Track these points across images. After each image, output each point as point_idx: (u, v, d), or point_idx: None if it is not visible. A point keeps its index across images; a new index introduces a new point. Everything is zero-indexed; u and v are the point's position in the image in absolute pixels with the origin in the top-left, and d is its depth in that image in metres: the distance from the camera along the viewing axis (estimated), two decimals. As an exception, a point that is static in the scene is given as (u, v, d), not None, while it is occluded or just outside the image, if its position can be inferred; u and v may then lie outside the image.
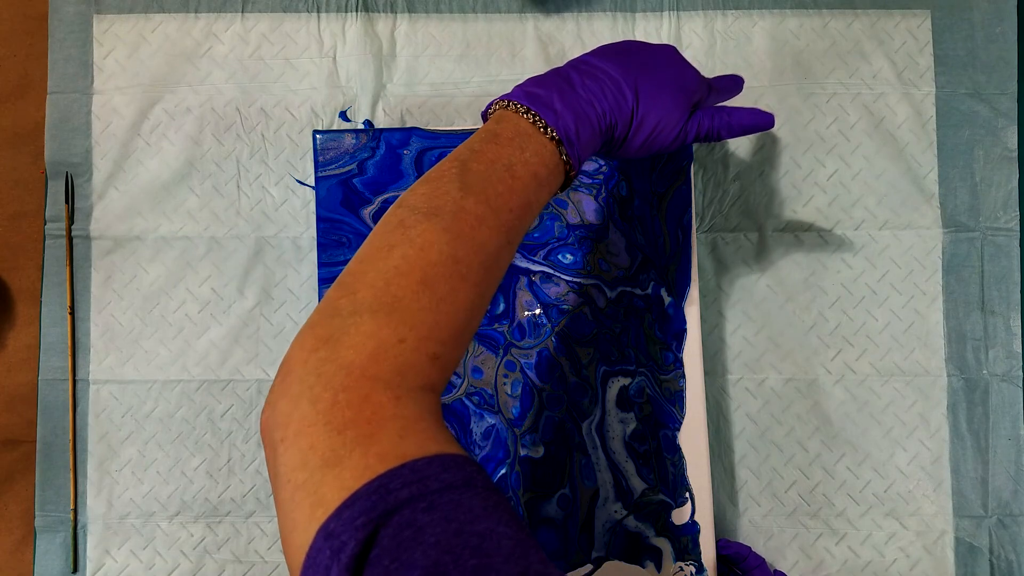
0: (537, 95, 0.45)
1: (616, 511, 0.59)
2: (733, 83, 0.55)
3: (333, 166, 0.61)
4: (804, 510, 0.64)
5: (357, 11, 0.66)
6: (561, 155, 0.44)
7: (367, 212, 0.61)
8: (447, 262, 0.38)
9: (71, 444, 0.63)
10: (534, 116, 0.44)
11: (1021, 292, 0.65)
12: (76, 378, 0.64)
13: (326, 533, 0.31)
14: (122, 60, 0.66)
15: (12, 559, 0.64)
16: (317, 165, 0.61)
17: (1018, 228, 0.65)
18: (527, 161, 0.43)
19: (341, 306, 0.37)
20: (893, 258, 0.65)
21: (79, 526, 0.63)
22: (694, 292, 0.61)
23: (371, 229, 0.60)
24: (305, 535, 0.32)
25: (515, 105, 0.45)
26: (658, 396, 0.60)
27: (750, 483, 0.64)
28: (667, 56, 0.50)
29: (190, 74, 0.66)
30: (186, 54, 0.66)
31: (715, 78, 0.54)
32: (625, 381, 0.60)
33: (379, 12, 0.66)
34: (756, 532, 0.64)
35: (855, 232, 0.65)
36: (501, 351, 0.60)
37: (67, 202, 0.65)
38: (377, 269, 0.38)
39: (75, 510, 0.63)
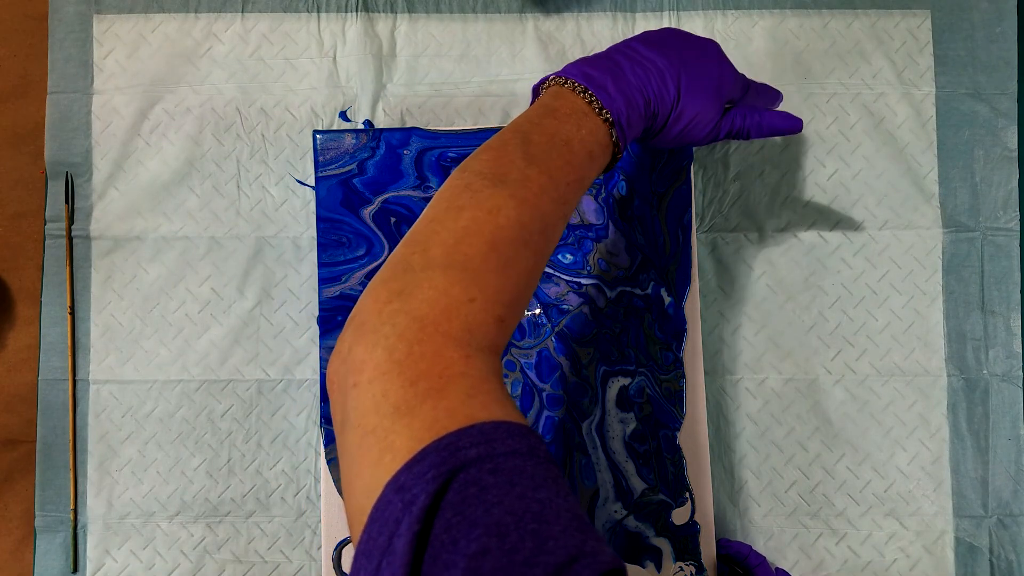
0: (593, 76, 0.47)
1: (616, 511, 0.59)
2: (771, 95, 0.56)
3: (333, 166, 0.61)
4: (804, 510, 0.64)
5: (357, 11, 0.66)
6: (612, 136, 0.46)
7: (367, 212, 0.61)
8: (514, 227, 0.40)
9: (71, 444, 0.63)
10: (591, 96, 0.46)
11: (1021, 292, 0.65)
12: (76, 378, 0.64)
13: (396, 486, 0.32)
14: (122, 60, 0.66)
15: (12, 559, 0.64)
16: (317, 165, 0.61)
17: (1018, 228, 0.65)
18: (583, 139, 0.44)
19: (413, 262, 0.38)
20: (893, 258, 0.65)
21: (79, 526, 0.63)
22: (694, 292, 0.61)
23: (371, 229, 0.61)
24: (372, 480, 0.33)
25: (572, 83, 0.46)
26: (658, 396, 0.60)
27: (750, 483, 0.64)
28: (710, 53, 0.51)
29: (190, 74, 0.66)
30: (186, 54, 0.66)
31: (755, 83, 0.55)
32: (625, 381, 0.60)
33: (379, 12, 0.66)
34: (756, 532, 0.64)
35: (855, 232, 0.65)
36: None
37: (67, 202, 0.65)
38: (448, 229, 0.39)
39: (75, 510, 0.63)
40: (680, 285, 0.61)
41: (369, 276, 0.60)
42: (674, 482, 0.59)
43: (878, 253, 0.65)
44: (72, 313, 0.64)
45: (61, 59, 0.66)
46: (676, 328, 0.60)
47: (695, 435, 0.60)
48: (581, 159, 0.44)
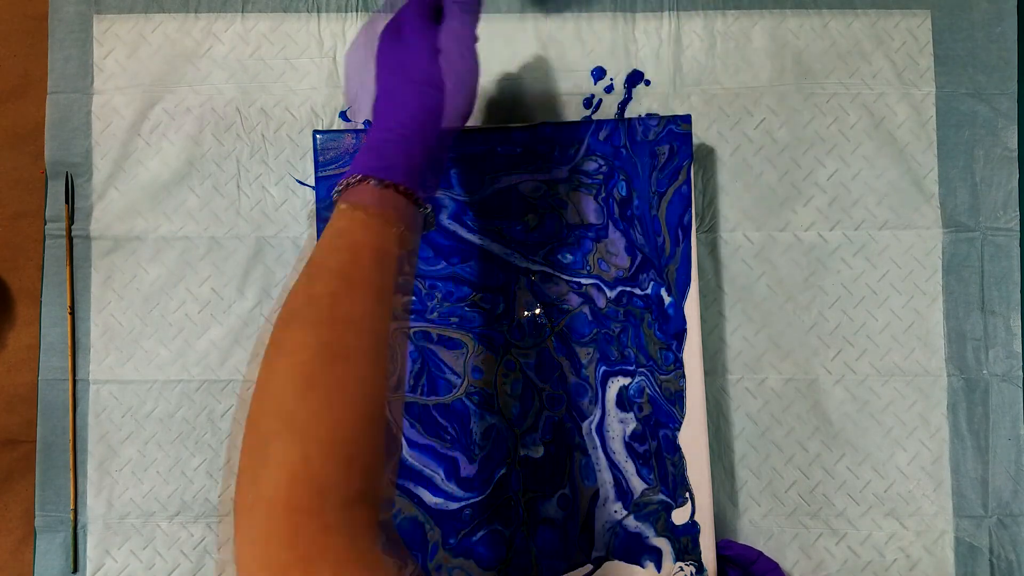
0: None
1: (616, 511, 0.59)
2: None
3: (333, 166, 0.61)
4: (804, 510, 0.64)
5: (357, 11, 0.66)
6: (371, 183, 0.43)
7: None
8: (319, 350, 0.37)
9: (71, 444, 0.63)
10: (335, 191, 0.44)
11: (1021, 292, 0.65)
12: (76, 378, 0.64)
13: None
14: (122, 60, 0.66)
15: (12, 559, 0.64)
16: (317, 165, 0.61)
17: (1018, 228, 0.65)
18: (341, 212, 0.42)
19: (252, 443, 0.37)
20: (893, 258, 0.65)
21: (79, 526, 0.63)
22: (694, 292, 0.61)
23: None
24: None
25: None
26: (658, 396, 0.60)
27: (750, 483, 0.64)
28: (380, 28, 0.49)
29: (190, 74, 0.66)
30: (186, 54, 0.66)
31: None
32: (625, 381, 0.60)
33: (379, 12, 0.66)
34: (756, 532, 0.64)
35: (855, 232, 0.65)
36: (501, 351, 0.60)
37: (67, 202, 0.65)
38: (268, 393, 0.38)
39: (75, 510, 0.63)
40: (680, 285, 0.61)
41: None
42: (674, 482, 0.60)
43: (878, 253, 0.65)
44: (72, 313, 0.64)
45: (61, 59, 0.66)
46: (676, 328, 0.60)
47: (695, 435, 0.60)
48: (353, 232, 0.41)
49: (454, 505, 0.59)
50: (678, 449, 0.60)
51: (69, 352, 0.64)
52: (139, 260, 0.65)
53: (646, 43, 0.66)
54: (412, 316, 0.60)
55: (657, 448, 0.60)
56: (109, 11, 0.66)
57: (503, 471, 0.59)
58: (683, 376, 0.60)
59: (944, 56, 0.66)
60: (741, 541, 0.64)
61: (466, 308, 0.61)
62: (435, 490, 0.59)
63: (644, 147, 0.61)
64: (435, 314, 0.60)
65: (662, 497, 0.60)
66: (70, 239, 0.64)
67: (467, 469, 0.59)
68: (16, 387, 0.65)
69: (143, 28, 0.66)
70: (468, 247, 0.61)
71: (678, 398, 0.60)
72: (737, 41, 0.66)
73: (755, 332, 0.65)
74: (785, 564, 0.63)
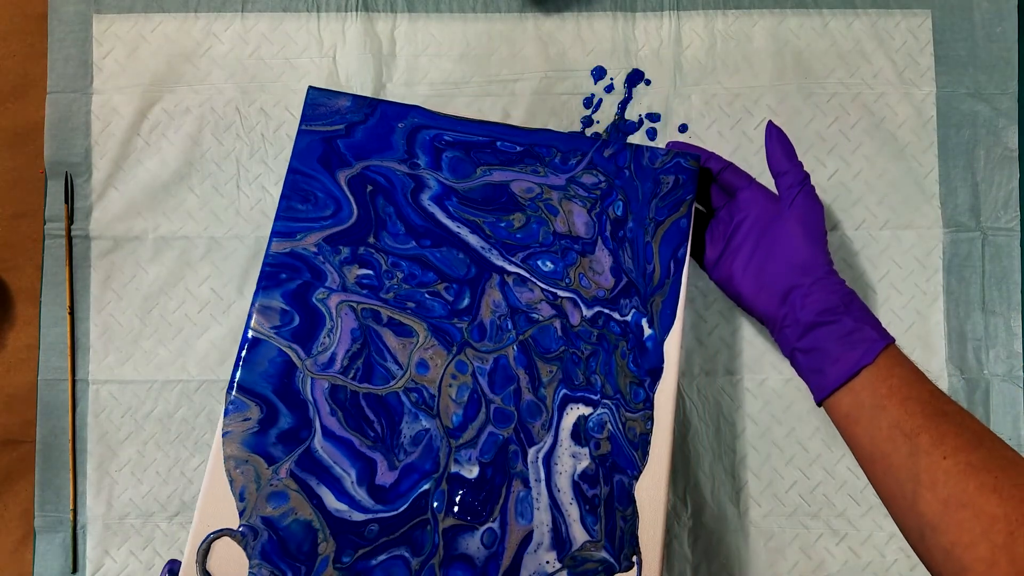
0: None
1: (548, 562, 0.51)
2: None
3: (320, 123, 0.56)
4: (805, 510, 0.64)
5: (357, 11, 0.66)
6: None
7: (343, 175, 0.55)
8: None
9: (70, 444, 0.63)
10: None
11: (1022, 292, 0.65)
12: (76, 378, 0.64)
13: None
14: (122, 60, 0.66)
15: (12, 559, 0.64)
16: (303, 118, 0.56)
17: (1019, 228, 0.65)
18: None
19: None
20: (893, 258, 0.65)
21: (79, 526, 0.63)
22: (677, 330, 0.54)
23: (343, 192, 0.55)
24: None
25: None
26: (620, 435, 0.53)
27: (751, 483, 0.64)
28: None
29: (190, 74, 0.65)
30: (186, 54, 0.66)
31: None
32: (586, 411, 0.53)
33: (379, 12, 0.66)
34: (757, 532, 0.64)
35: (855, 232, 0.65)
36: (454, 348, 0.53)
37: (67, 202, 0.65)
38: None
39: (74, 510, 0.63)
40: (664, 320, 0.54)
41: (328, 240, 0.54)
42: (621, 539, 0.51)
43: (878, 253, 0.65)
44: (72, 313, 0.64)
45: (61, 59, 0.66)
46: (652, 364, 0.54)
47: (654, 488, 0.52)
48: None
49: (359, 516, 0.50)
50: (632, 501, 0.51)
51: (68, 352, 0.64)
52: (138, 260, 0.65)
53: (646, 43, 0.66)
54: (364, 292, 0.53)
55: (608, 495, 0.52)
56: (109, 11, 0.66)
57: (426, 486, 0.51)
58: (651, 419, 0.53)
59: (944, 56, 0.66)
60: (744, 540, 0.63)
61: (426, 295, 0.54)
62: (340, 494, 0.50)
63: (648, 173, 0.56)
64: (391, 294, 0.54)
65: (604, 555, 0.51)
66: (69, 239, 0.64)
67: (385, 476, 0.51)
68: (16, 387, 0.65)
69: (143, 28, 0.66)
70: (443, 233, 0.55)
71: (642, 441, 0.52)
72: (737, 41, 0.66)
73: (755, 332, 0.65)
74: (785, 564, 0.63)
